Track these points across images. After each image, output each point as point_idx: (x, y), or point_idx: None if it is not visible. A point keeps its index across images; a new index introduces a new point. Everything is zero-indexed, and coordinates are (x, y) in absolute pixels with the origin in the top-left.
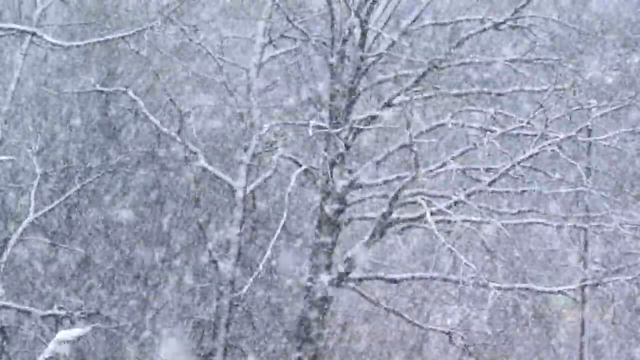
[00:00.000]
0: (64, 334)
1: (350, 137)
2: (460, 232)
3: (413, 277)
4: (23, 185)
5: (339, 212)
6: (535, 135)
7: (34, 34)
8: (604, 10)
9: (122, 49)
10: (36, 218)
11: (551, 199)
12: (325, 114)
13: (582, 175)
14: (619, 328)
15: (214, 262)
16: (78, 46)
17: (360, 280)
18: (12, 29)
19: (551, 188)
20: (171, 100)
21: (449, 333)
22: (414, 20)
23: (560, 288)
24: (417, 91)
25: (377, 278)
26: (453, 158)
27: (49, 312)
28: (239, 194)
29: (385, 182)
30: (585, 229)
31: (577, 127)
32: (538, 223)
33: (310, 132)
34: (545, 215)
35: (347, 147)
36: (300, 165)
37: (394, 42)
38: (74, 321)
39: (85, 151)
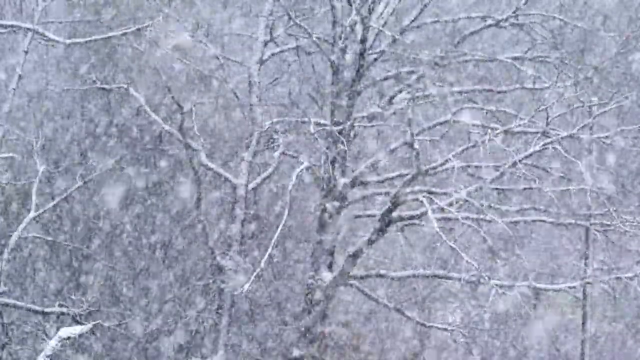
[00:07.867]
0: (66, 331)
1: (352, 134)
2: (462, 229)
3: (414, 275)
4: (24, 182)
5: (341, 209)
6: (537, 133)
7: (35, 31)
8: (604, 7)
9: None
10: (38, 215)
11: (553, 196)
12: (326, 111)
13: (584, 173)
14: (620, 326)
15: (216, 259)
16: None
17: (361, 278)
18: (13, 26)
19: (553, 186)
20: (172, 97)
21: (450, 330)
22: (415, 18)
23: (562, 286)
24: (418, 89)
25: (379, 276)
26: (455, 156)
27: (51, 309)
28: (240, 191)
29: (387, 179)
30: (587, 227)
31: (578, 125)
32: (540, 221)
33: (312, 130)
34: (547, 213)
35: (349, 144)
36: (302, 163)
37: (395, 40)
38: (75, 318)
39: (87, 148)
